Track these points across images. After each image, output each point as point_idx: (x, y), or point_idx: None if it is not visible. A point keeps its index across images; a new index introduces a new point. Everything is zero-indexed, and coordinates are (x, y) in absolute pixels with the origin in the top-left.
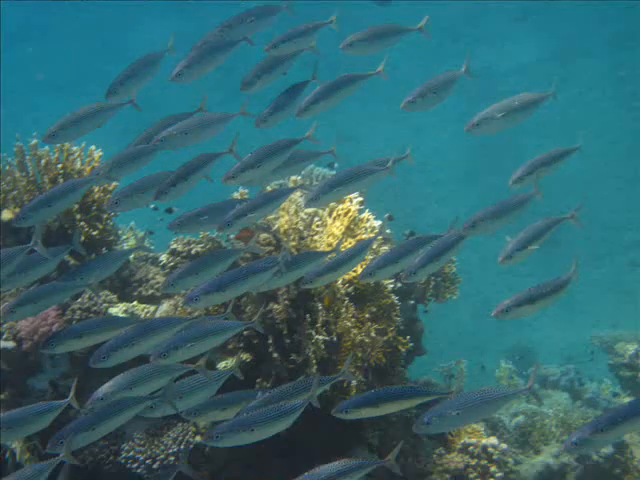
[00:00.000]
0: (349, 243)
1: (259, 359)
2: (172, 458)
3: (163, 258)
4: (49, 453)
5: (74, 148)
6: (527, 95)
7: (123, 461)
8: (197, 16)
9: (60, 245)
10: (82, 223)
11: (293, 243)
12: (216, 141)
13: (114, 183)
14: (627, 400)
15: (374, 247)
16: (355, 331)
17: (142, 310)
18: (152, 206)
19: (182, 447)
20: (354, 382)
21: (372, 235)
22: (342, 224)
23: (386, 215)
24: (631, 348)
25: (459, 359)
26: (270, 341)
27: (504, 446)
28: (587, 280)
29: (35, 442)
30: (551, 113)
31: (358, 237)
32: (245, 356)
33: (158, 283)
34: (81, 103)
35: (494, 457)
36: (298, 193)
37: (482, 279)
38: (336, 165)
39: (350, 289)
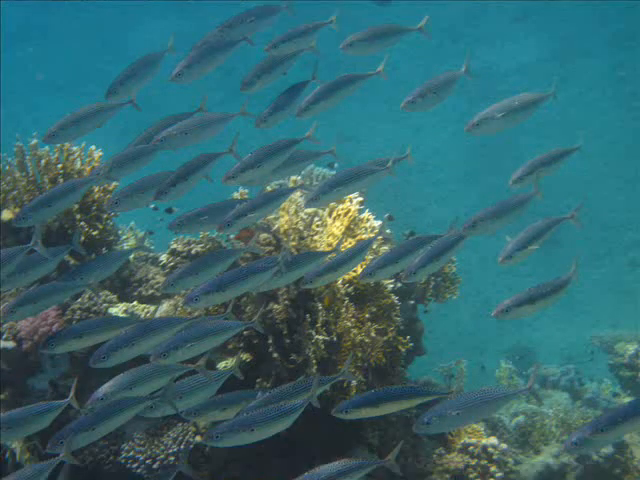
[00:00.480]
0: (349, 243)
1: (259, 359)
2: (172, 458)
3: (163, 258)
4: (49, 453)
5: (74, 148)
6: (527, 95)
7: (123, 461)
8: (197, 16)
9: (60, 245)
10: (82, 223)
11: (293, 243)
12: (216, 141)
13: (114, 183)
14: (627, 400)
15: (374, 247)
16: (355, 331)
17: (142, 310)
18: (152, 206)
19: (182, 447)
20: (354, 382)
21: (372, 235)
22: (342, 224)
23: (386, 215)
24: (631, 348)
25: (459, 359)
26: (270, 341)
27: (504, 446)
28: (587, 280)
29: (35, 442)
30: (551, 113)
31: (358, 237)
32: (245, 356)
33: (158, 283)
34: (81, 103)
35: (494, 457)
36: (298, 193)
37: (482, 279)
38: (336, 165)
39: (350, 289)
